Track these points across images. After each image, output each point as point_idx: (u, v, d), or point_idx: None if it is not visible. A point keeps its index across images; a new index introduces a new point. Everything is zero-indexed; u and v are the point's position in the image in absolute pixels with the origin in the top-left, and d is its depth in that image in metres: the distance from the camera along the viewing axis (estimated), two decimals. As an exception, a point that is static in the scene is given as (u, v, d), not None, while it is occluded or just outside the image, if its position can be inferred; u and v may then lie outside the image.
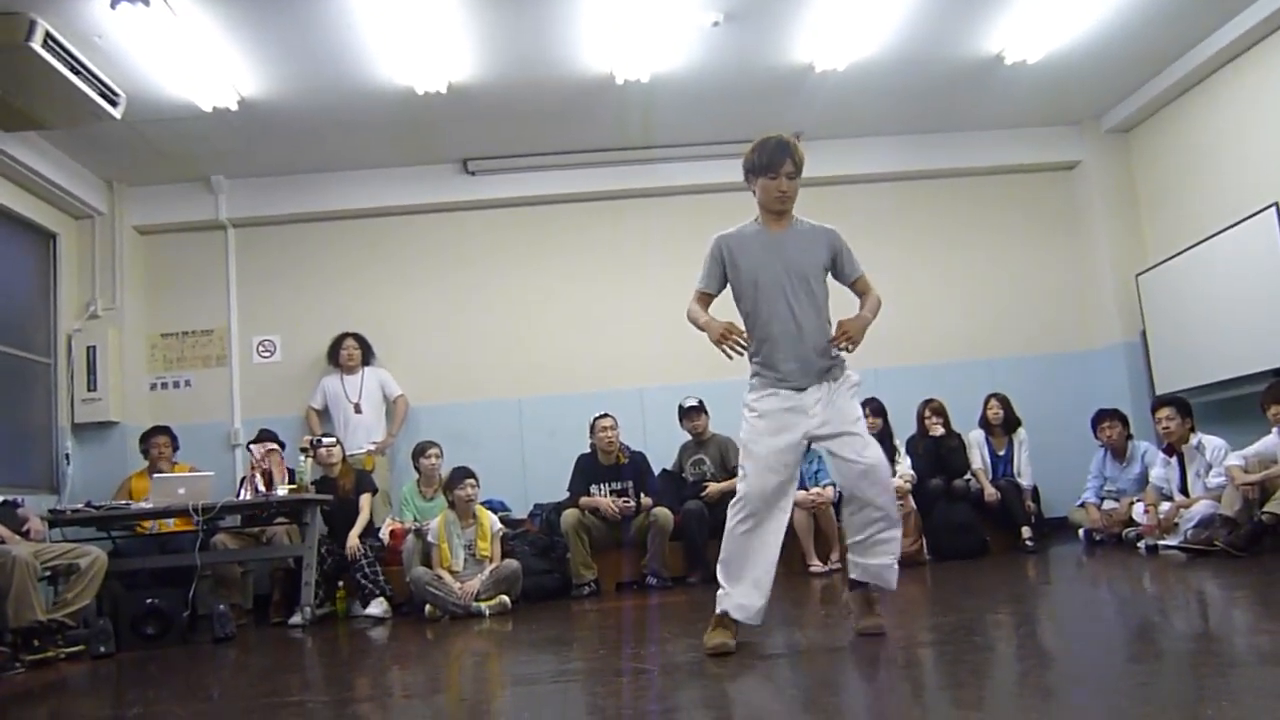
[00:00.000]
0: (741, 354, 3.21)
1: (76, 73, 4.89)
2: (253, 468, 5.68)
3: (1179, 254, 6.59)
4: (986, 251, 7.48)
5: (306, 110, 6.10)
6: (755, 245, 3.28)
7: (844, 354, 3.26)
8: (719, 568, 3.20)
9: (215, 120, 5.99)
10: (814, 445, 3.29)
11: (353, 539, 5.60)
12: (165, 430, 6.19)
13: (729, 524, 3.17)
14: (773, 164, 3.20)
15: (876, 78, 6.26)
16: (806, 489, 5.94)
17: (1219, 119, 6.38)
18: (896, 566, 3.22)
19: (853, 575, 3.26)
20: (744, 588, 3.13)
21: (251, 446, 5.96)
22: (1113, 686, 2.29)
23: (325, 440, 6.02)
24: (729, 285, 3.34)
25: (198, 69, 5.41)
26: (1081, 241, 7.49)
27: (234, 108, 5.84)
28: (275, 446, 5.93)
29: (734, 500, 3.19)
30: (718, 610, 3.15)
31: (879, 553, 3.18)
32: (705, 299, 3.35)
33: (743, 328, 3.25)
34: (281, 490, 5.49)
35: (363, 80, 5.76)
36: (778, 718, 2.41)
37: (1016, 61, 6.17)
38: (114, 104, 5.25)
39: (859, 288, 3.38)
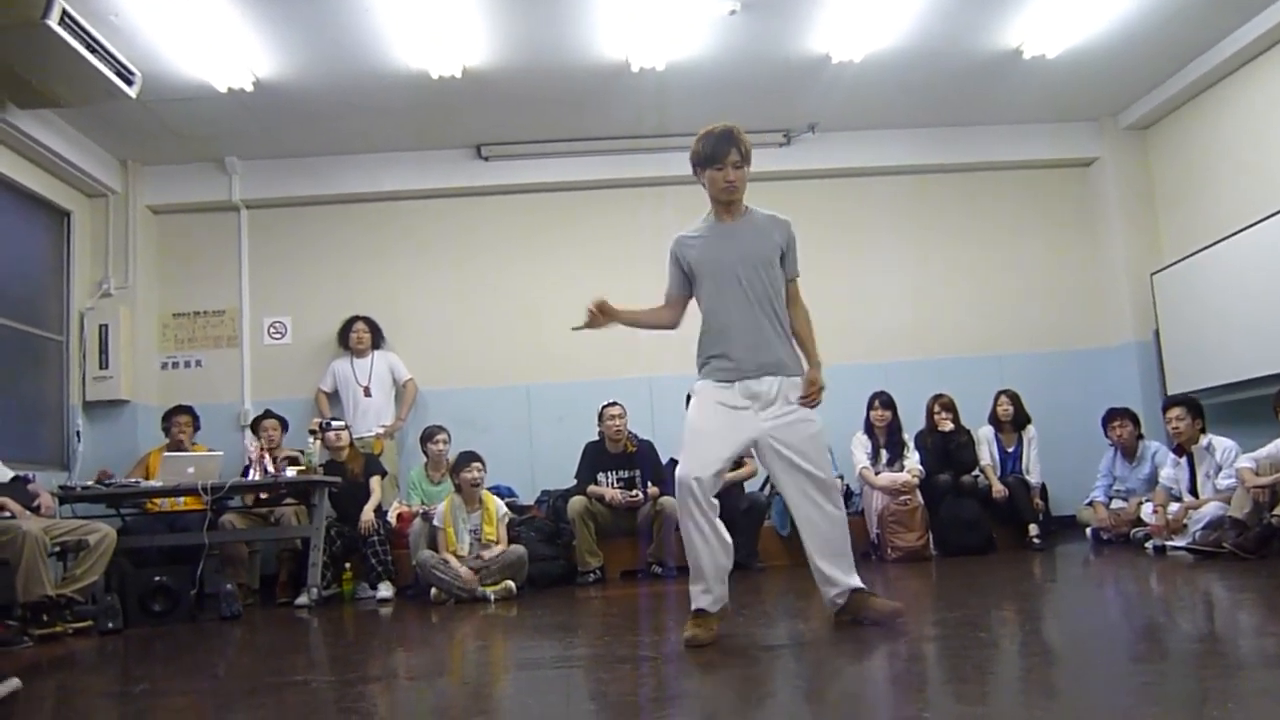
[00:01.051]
0: (581, 328, 3.24)
1: (93, 51, 4.89)
2: (260, 449, 5.72)
3: (1194, 254, 6.54)
4: (1000, 247, 7.44)
5: (321, 93, 6.09)
6: (708, 238, 3.27)
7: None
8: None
9: (230, 101, 6.00)
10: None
11: (367, 513, 5.61)
12: (188, 409, 6.23)
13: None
14: (717, 155, 3.18)
15: (893, 70, 6.23)
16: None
17: (1238, 118, 6.32)
18: (850, 563, 3.23)
19: (839, 608, 3.22)
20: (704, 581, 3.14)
21: (264, 423, 6.06)
22: (1118, 686, 2.29)
23: (335, 424, 6.02)
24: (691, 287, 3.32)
25: (214, 50, 5.42)
26: (1096, 239, 7.45)
27: (249, 89, 5.85)
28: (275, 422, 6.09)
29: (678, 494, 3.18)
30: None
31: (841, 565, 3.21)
32: (671, 302, 3.39)
33: (701, 326, 3.29)
34: (290, 471, 5.52)
35: (378, 64, 5.76)
36: (780, 708, 2.41)
37: (1035, 56, 6.12)
38: (129, 83, 5.25)
39: (790, 290, 3.32)
